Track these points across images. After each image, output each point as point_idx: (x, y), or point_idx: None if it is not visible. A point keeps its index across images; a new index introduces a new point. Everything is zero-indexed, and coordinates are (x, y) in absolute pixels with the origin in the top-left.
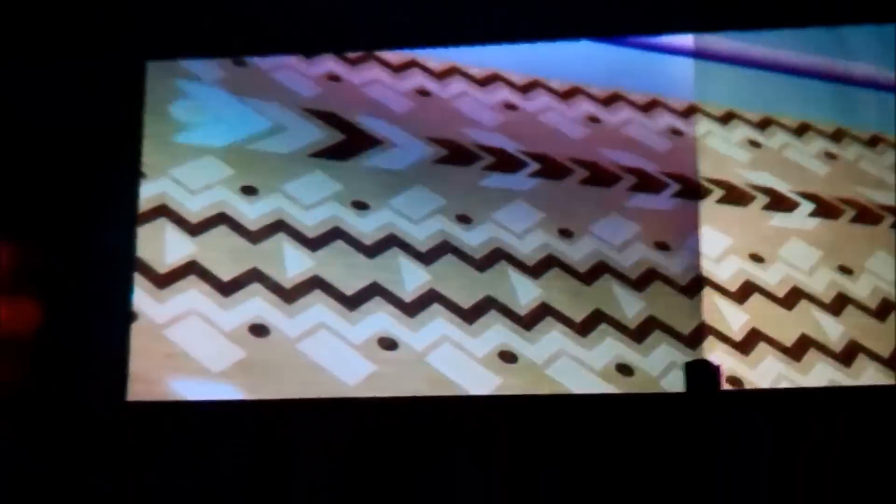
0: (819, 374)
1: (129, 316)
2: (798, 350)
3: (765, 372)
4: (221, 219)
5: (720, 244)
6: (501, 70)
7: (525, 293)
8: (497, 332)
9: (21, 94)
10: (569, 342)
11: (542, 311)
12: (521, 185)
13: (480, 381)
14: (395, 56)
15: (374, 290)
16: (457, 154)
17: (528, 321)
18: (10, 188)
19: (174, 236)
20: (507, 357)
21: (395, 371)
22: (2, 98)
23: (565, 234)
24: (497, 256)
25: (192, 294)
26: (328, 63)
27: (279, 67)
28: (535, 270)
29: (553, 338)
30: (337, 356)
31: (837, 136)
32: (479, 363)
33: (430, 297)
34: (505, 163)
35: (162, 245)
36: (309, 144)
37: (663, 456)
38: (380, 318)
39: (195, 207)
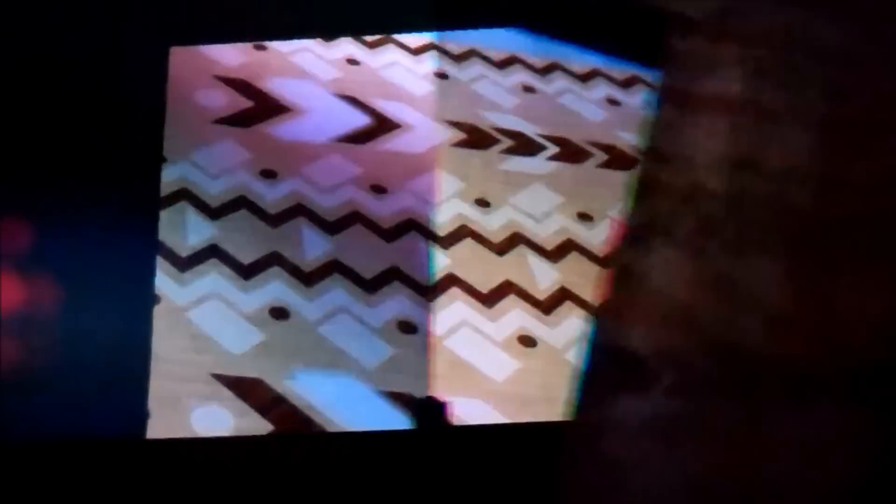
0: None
1: (151, 299)
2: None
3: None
4: (242, 202)
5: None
6: (520, 53)
7: (544, 277)
8: (516, 316)
9: (47, 85)
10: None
11: (562, 296)
12: (540, 168)
13: (499, 365)
14: (413, 39)
15: (393, 274)
16: (475, 137)
17: (548, 305)
18: (33, 175)
19: (195, 219)
20: (527, 341)
21: (414, 354)
22: (20, 75)
23: (585, 217)
24: (516, 240)
25: (214, 277)
26: (347, 46)
27: (298, 51)
28: (555, 254)
29: (572, 322)
30: (357, 339)
31: None
32: (498, 347)
33: (448, 281)
34: (524, 146)
35: (184, 228)
36: (329, 127)
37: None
38: (399, 302)
39: (216, 191)
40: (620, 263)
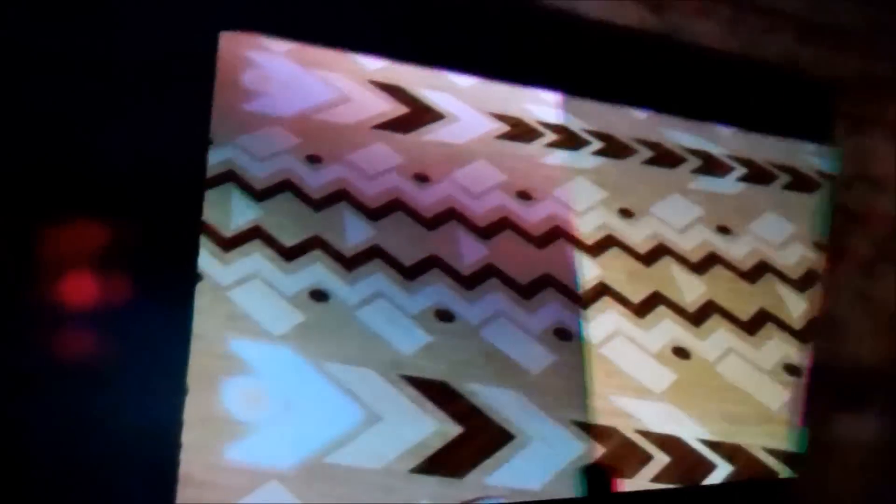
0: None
1: (194, 277)
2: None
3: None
4: (286, 186)
5: (785, 231)
6: None
7: (585, 272)
8: (554, 310)
9: (95, 59)
10: (626, 322)
11: (600, 291)
12: (583, 162)
13: (535, 357)
14: None
15: (432, 262)
16: (520, 130)
17: (587, 300)
18: (84, 154)
19: (240, 202)
20: (563, 335)
21: (450, 343)
22: (71, 63)
23: (626, 213)
24: (557, 234)
25: (256, 258)
26: None
27: None
28: (595, 250)
29: (610, 317)
30: (393, 325)
31: None
32: (534, 340)
33: (487, 272)
34: (568, 140)
35: (228, 210)
36: (373, 116)
37: None
38: (437, 290)
39: (261, 174)
40: (837, 286)
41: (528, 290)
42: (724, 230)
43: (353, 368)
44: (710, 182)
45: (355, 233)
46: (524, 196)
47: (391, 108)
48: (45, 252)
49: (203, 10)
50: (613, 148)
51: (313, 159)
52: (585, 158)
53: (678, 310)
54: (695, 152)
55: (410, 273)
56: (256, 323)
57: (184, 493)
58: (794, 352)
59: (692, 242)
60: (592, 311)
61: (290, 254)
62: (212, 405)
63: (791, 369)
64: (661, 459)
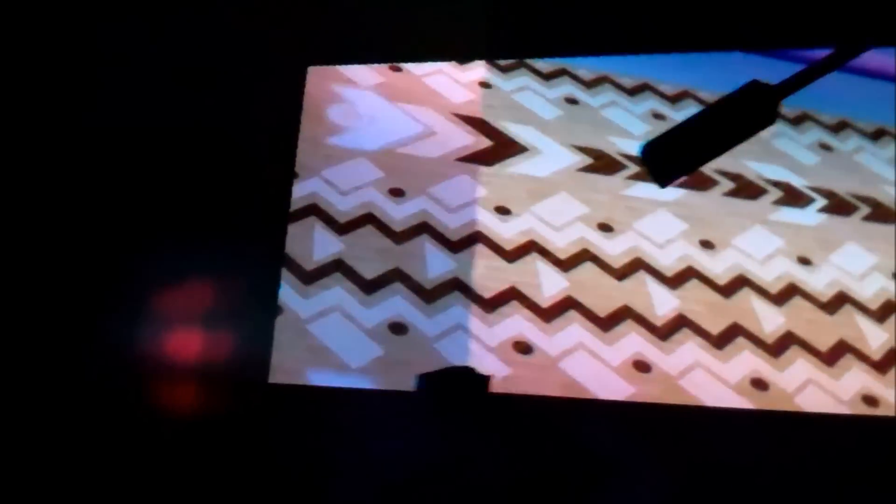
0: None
1: (275, 310)
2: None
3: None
4: (368, 219)
5: (866, 262)
6: (651, 79)
7: (663, 304)
8: (632, 342)
9: (181, 95)
10: (703, 353)
11: (680, 323)
12: (665, 195)
13: (614, 388)
14: (545, 64)
15: (511, 294)
16: (602, 162)
17: (665, 332)
18: (172, 188)
19: (322, 235)
20: (642, 367)
21: (529, 375)
22: (159, 99)
23: (707, 245)
24: (637, 266)
25: (337, 291)
26: (480, 70)
27: (433, 73)
28: (674, 281)
29: (688, 349)
30: (472, 357)
31: None
32: (613, 371)
33: (566, 304)
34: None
35: (310, 242)
36: (457, 149)
37: None
38: (516, 322)
39: (344, 207)
40: None
41: (607, 323)
42: (804, 261)
43: None
44: (790, 213)
45: (436, 265)
46: (605, 228)
47: (475, 141)
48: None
49: (291, 44)
50: (695, 180)
51: (396, 192)
52: (667, 190)
53: (757, 341)
54: (776, 184)
55: (489, 305)
56: (335, 355)
57: None
58: (873, 382)
59: (773, 274)
60: (671, 342)
61: (370, 286)
62: None
63: (869, 400)
64: None
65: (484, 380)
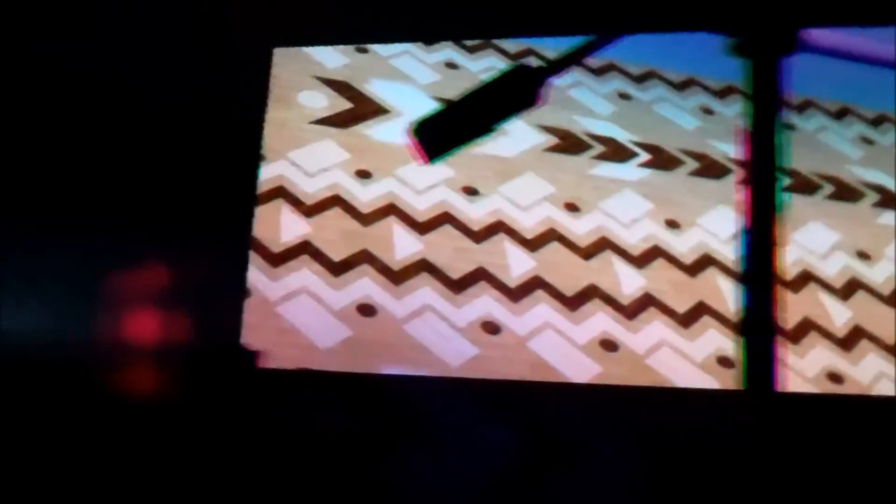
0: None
1: (243, 292)
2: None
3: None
4: (335, 201)
5: (830, 240)
6: (617, 60)
7: (630, 283)
8: (599, 321)
9: (147, 78)
10: (670, 332)
11: (646, 302)
12: (630, 174)
13: (581, 368)
14: (512, 44)
15: (479, 275)
16: (568, 142)
17: (631, 311)
18: (137, 172)
19: (289, 217)
20: (609, 346)
21: (498, 355)
22: (123, 83)
23: (672, 224)
24: (603, 245)
25: (305, 273)
26: (447, 51)
27: (399, 55)
28: (641, 260)
29: (655, 327)
30: (441, 338)
31: None
32: (580, 351)
33: (534, 284)
34: (615, 152)
35: (278, 225)
36: None
37: None
38: (484, 302)
39: (311, 189)
40: None
41: (574, 302)
42: None
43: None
44: None
45: (403, 246)
46: (571, 208)
47: None
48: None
49: (256, 26)
50: (660, 159)
51: (363, 174)
52: (633, 170)
53: (723, 320)
54: (741, 163)
55: (457, 286)
56: (305, 337)
57: None
58: (837, 360)
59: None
60: (638, 321)
61: (338, 268)
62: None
63: (834, 377)
64: None
65: (251, 356)
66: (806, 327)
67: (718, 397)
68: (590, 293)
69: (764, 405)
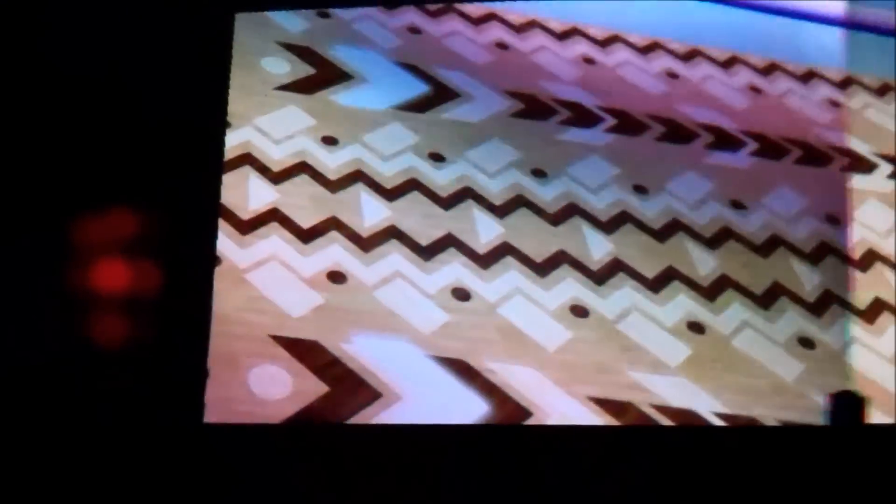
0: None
1: (213, 260)
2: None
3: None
4: (303, 167)
5: (799, 204)
6: (581, 24)
7: (598, 248)
8: (569, 286)
9: (108, 46)
10: (640, 298)
11: (615, 267)
12: (597, 139)
13: (551, 334)
14: (474, 8)
15: (448, 241)
16: (534, 107)
17: (601, 276)
18: (99, 140)
19: (257, 184)
20: (579, 311)
21: (467, 321)
22: (86, 51)
23: (640, 190)
24: (571, 211)
25: (274, 240)
26: (409, 15)
27: (361, 18)
28: (609, 226)
29: (625, 293)
30: (412, 304)
31: None
32: (550, 316)
33: (503, 250)
34: (582, 117)
35: (245, 192)
36: (390, 96)
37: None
38: (454, 269)
39: (278, 156)
40: None
41: (543, 268)
42: (737, 204)
43: (371, 348)
44: (722, 157)
45: (372, 213)
46: (538, 174)
47: (407, 87)
48: (67, 238)
49: None
50: (627, 124)
51: (329, 140)
52: (599, 135)
53: (693, 285)
54: (707, 127)
55: (427, 252)
56: (275, 305)
57: None
58: (808, 325)
59: (706, 217)
60: (607, 287)
61: (307, 235)
62: (234, 387)
63: (805, 342)
64: None
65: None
66: (777, 291)
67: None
68: (559, 259)
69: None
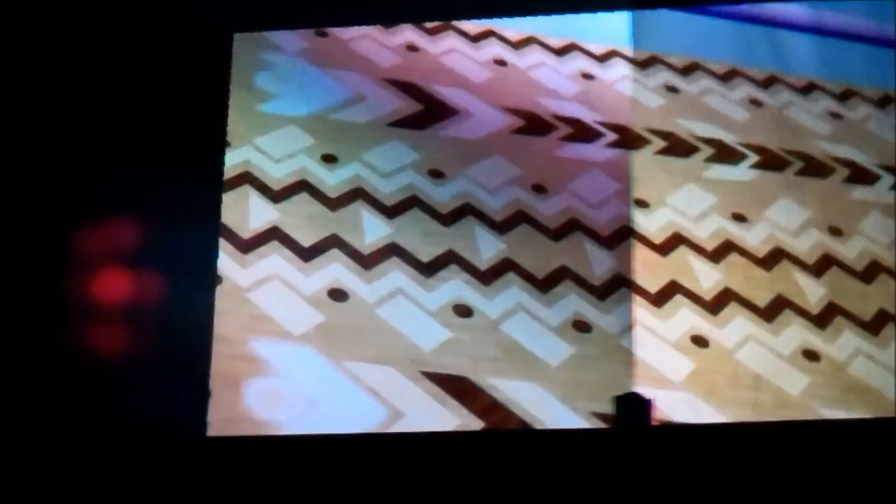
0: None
1: (214, 279)
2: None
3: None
4: (303, 186)
5: (801, 217)
6: (578, 40)
7: (600, 263)
8: (571, 302)
9: (111, 69)
10: (644, 312)
11: (618, 282)
12: (597, 154)
13: (553, 350)
14: (472, 26)
15: (450, 258)
16: (533, 124)
17: (603, 291)
18: (99, 162)
19: (258, 203)
20: (582, 326)
21: (469, 338)
22: (87, 72)
23: (642, 204)
24: (572, 226)
25: (275, 259)
26: (407, 33)
27: (359, 37)
28: (612, 241)
29: (628, 308)
30: (414, 322)
31: None
32: (553, 332)
33: (504, 266)
34: (582, 132)
35: (246, 211)
36: (388, 114)
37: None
38: (455, 286)
39: (278, 175)
40: None
41: (545, 284)
42: (739, 218)
43: (374, 366)
44: (723, 170)
45: (372, 230)
46: (539, 189)
47: (406, 105)
48: (68, 254)
49: (215, 12)
50: (627, 139)
51: (329, 158)
52: (599, 150)
53: (696, 298)
54: (708, 141)
55: (428, 269)
56: (277, 323)
57: None
58: (812, 337)
59: (708, 231)
60: (609, 302)
61: (307, 254)
62: (235, 406)
63: (810, 355)
64: None
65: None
66: (781, 304)
67: None
68: (561, 275)
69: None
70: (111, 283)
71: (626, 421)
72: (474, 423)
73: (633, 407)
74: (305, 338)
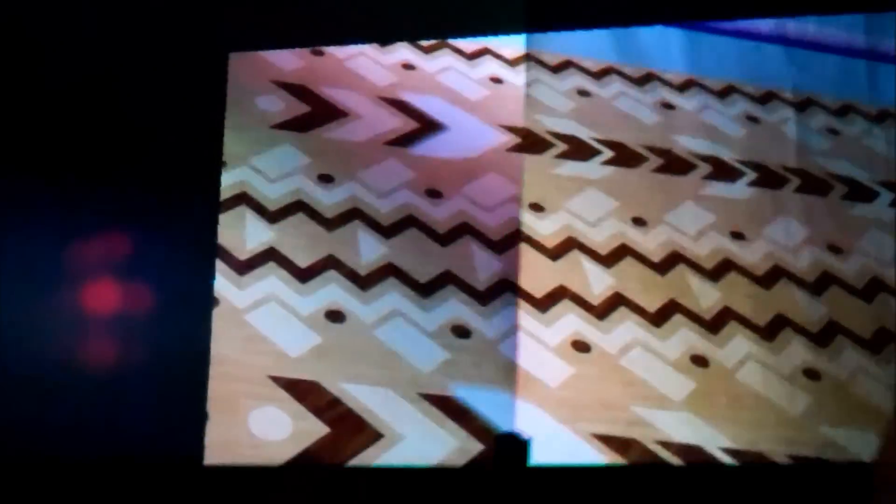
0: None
1: (210, 301)
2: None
3: None
4: (299, 206)
5: (799, 235)
6: (575, 56)
7: (598, 282)
8: (570, 321)
9: (107, 88)
10: (642, 332)
11: (616, 301)
12: (594, 172)
13: (554, 369)
14: (468, 44)
15: (447, 278)
16: (530, 141)
17: (602, 310)
18: (98, 179)
19: (254, 223)
20: (581, 346)
21: (468, 359)
22: (81, 90)
23: (639, 222)
24: (570, 245)
25: (272, 280)
26: (402, 51)
27: (355, 56)
28: (609, 259)
29: (627, 327)
30: (412, 343)
31: None
32: (552, 353)
33: (502, 286)
34: (578, 150)
35: (242, 232)
36: (384, 132)
37: None
38: (453, 306)
39: (274, 195)
40: None
41: (543, 303)
42: (737, 235)
43: (371, 388)
44: (720, 187)
45: (369, 250)
46: (536, 208)
47: (402, 124)
48: (61, 274)
49: (211, 31)
50: (623, 156)
51: (325, 178)
52: (596, 168)
53: (695, 317)
54: (705, 158)
55: (426, 290)
56: (274, 345)
57: None
58: (814, 357)
59: (706, 249)
60: (609, 321)
61: (304, 274)
62: (233, 429)
63: (811, 374)
64: None
65: None
66: (781, 323)
67: None
68: (559, 294)
69: None
70: (106, 304)
71: (501, 461)
72: (474, 446)
73: (509, 447)
74: (302, 359)
